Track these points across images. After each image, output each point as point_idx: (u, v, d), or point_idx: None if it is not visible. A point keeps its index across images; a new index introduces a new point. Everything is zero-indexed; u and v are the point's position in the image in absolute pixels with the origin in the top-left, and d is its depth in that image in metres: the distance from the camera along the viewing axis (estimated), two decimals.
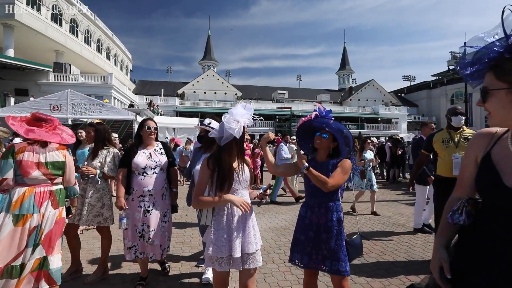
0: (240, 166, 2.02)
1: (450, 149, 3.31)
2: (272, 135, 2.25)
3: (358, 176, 6.31)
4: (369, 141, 6.61)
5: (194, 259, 3.67)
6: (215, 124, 2.90)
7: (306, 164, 1.96)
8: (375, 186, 6.23)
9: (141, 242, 2.86)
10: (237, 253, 1.86)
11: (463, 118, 3.35)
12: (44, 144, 2.44)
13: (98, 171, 3.11)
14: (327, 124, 2.14)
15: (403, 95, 54.99)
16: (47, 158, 2.42)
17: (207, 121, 3.00)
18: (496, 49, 0.91)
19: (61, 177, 2.55)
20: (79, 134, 3.88)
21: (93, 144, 3.34)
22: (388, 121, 42.55)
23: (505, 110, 0.92)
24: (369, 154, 6.39)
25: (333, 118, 2.18)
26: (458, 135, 3.34)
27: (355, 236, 2.20)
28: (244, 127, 1.94)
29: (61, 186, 2.55)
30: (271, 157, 2.30)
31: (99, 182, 3.11)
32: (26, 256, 2.33)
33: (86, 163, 3.20)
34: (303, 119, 2.33)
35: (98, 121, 3.51)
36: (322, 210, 2.08)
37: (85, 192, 3.11)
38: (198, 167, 2.94)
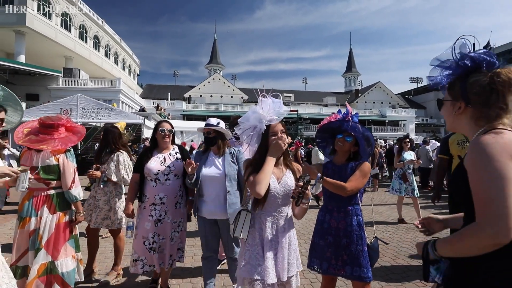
0: (281, 172, 1.76)
1: (465, 150, 3.25)
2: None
3: (397, 180, 5.70)
4: (407, 140, 5.89)
5: None
6: (223, 124, 2.70)
7: (319, 174, 1.95)
8: (416, 191, 5.56)
9: (150, 256, 2.63)
10: (270, 278, 1.57)
11: None
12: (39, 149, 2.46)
13: (103, 175, 3.16)
14: (354, 129, 2.08)
15: (410, 97, 54.46)
16: (39, 163, 2.44)
17: (214, 120, 2.69)
18: (450, 70, 1.13)
19: (57, 181, 2.51)
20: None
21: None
22: (395, 124, 42.14)
23: (451, 117, 1.13)
24: (409, 155, 5.71)
25: (358, 123, 2.13)
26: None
27: (372, 240, 2.16)
28: (277, 125, 1.73)
29: (58, 191, 2.52)
30: None
31: (101, 186, 3.17)
32: (28, 259, 2.38)
33: (94, 166, 3.29)
34: (328, 118, 2.28)
35: (122, 124, 3.54)
36: (341, 215, 2.03)
37: (95, 195, 3.21)
38: (205, 171, 2.56)
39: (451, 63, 1.10)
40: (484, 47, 1.12)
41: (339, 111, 2.23)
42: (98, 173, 3.16)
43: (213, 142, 2.62)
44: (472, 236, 0.90)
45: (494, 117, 1.02)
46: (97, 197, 3.18)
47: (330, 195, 2.10)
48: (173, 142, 2.91)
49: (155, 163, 2.71)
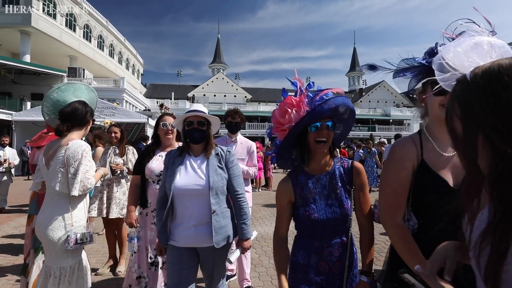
0: None
1: None
2: None
3: None
4: None
5: None
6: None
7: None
8: None
9: (152, 273, 2.34)
10: None
11: None
12: None
13: (125, 168, 3.36)
14: (337, 106, 1.29)
15: (415, 96, 54.04)
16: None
17: (202, 107, 1.98)
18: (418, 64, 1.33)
19: None
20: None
21: (100, 146, 3.75)
22: (400, 123, 41.90)
23: (435, 113, 1.22)
24: None
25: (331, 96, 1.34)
26: None
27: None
28: None
29: None
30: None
31: (128, 177, 3.40)
32: (30, 257, 2.40)
33: (109, 160, 3.38)
34: (280, 112, 1.34)
35: (111, 122, 3.74)
36: (335, 251, 1.46)
37: (109, 187, 3.39)
38: (180, 181, 1.82)
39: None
40: None
41: (284, 92, 1.39)
42: (122, 166, 3.34)
43: (203, 137, 1.88)
44: None
45: None
46: (114, 190, 3.35)
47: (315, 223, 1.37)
48: (178, 139, 2.52)
49: (157, 163, 2.36)
